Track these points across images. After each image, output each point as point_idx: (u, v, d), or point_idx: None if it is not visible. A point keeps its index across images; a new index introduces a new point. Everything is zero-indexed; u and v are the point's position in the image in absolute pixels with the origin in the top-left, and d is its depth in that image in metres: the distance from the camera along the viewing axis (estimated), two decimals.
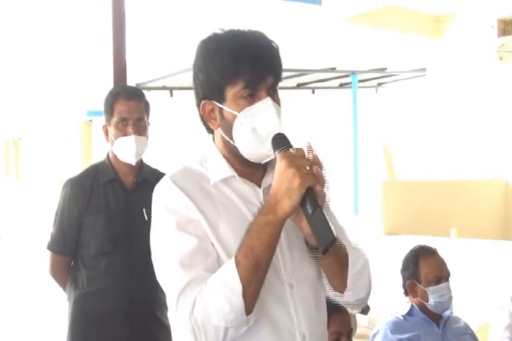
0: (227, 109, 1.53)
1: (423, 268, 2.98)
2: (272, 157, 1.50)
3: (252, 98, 1.51)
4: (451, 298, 2.98)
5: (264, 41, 1.55)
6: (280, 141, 1.47)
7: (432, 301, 2.95)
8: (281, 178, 1.41)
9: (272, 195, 1.43)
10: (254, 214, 1.49)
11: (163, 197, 1.54)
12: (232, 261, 1.42)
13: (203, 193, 1.53)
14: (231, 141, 1.55)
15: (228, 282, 1.41)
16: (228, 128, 1.54)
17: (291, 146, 1.46)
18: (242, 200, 1.55)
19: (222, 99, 1.54)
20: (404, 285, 3.06)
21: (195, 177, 1.56)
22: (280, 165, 1.42)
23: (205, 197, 1.53)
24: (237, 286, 1.40)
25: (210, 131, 1.64)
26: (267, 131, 1.50)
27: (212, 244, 1.50)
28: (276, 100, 1.55)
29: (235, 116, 1.52)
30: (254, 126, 1.50)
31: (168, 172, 1.58)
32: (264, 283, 1.45)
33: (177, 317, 1.46)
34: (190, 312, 1.42)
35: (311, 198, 1.41)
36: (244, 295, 1.40)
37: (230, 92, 1.52)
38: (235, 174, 1.57)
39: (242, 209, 1.54)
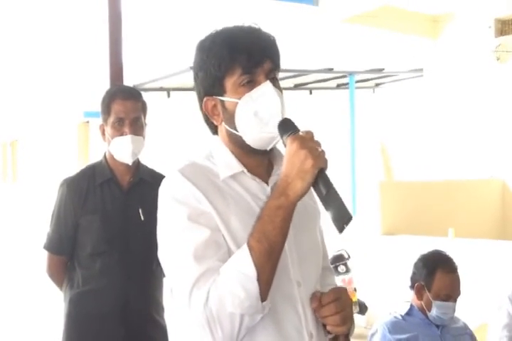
0: (228, 99, 1.54)
1: (437, 282, 2.93)
2: (277, 140, 1.51)
3: (251, 84, 1.52)
4: (452, 317, 2.96)
5: (258, 30, 1.57)
6: (287, 126, 1.48)
7: (434, 313, 2.93)
8: (293, 160, 1.41)
9: (283, 177, 1.42)
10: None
11: (172, 190, 1.52)
12: (245, 247, 1.41)
13: (213, 187, 1.52)
14: (235, 131, 1.55)
15: (242, 268, 1.39)
16: (231, 119, 1.54)
17: (299, 130, 1.46)
18: (251, 196, 1.55)
19: (222, 92, 1.55)
20: (412, 281, 3.02)
21: (203, 171, 1.55)
22: (291, 147, 1.42)
23: (215, 191, 1.51)
24: (252, 272, 1.38)
25: (215, 131, 1.64)
26: (268, 113, 1.50)
27: (223, 237, 1.48)
28: (277, 87, 1.55)
29: (236, 104, 1.52)
30: (256, 110, 1.51)
31: (176, 167, 1.57)
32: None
33: (189, 311, 1.42)
34: (204, 303, 1.39)
35: (324, 179, 1.41)
36: (259, 281, 1.39)
37: (229, 82, 1.53)
38: (244, 169, 1.57)
39: (252, 204, 1.53)
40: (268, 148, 1.56)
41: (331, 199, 1.40)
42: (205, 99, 1.58)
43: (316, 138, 1.44)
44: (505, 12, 8.01)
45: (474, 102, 8.22)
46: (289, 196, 1.41)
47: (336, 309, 1.51)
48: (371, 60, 9.85)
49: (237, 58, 1.51)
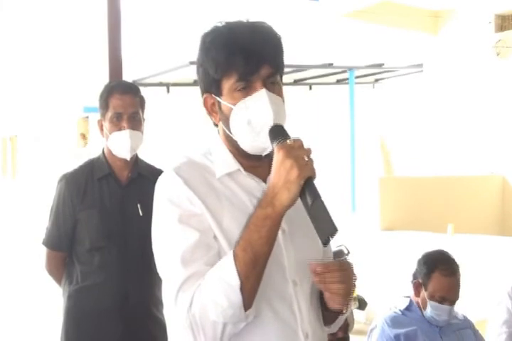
0: (223, 102, 1.52)
1: (433, 282, 2.89)
2: (270, 149, 1.47)
3: (247, 90, 1.49)
4: (446, 320, 2.91)
5: (261, 31, 1.52)
6: (277, 133, 1.45)
7: (428, 312, 2.90)
8: (279, 170, 1.38)
9: (270, 187, 1.40)
10: None
11: (166, 190, 1.52)
12: (231, 255, 1.40)
13: (207, 186, 1.51)
14: (230, 135, 1.54)
15: (226, 277, 1.38)
16: (227, 122, 1.53)
17: (288, 137, 1.43)
18: (247, 194, 1.53)
19: (219, 93, 1.53)
20: (413, 276, 3.00)
21: (199, 169, 1.54)
22: (277, 156, 1.39)
23: (209, 190, 1.51)
24: (235, 281, 1.38)
25: (216, 124, 1.62)
26: (261, 123, 1.47)
27: (215, 237, 1.47)
28: (277, 91, 1.52)
29: (231, 110, 1.50)
30: (249, 119, 1.48)
31: (172, 164, 1.55)
32: (267, 279, 1.43)
33: (175, 312, 1.44)
34: (188, 308, 1.40)
35: (311, 189, 1.38)
36: (242, 290, 1.38)
37: (226, 85, 1.51)
38: (240, 168, 1.55)
39: (247, 203, 1.51)
40: (263, 154, 1.53)
41: (317, 210, 1.37)
42: (204, 95, 1.57)
43: (305, 146, 1.41)
44: (505, 8, 8.01)
45: (474, 98, 8.22)
46: (276, 207, 1.39)
47: (341, 278, 1.46)
48: (371, 55, 9.84)
49: (234, 64, 1.47)
